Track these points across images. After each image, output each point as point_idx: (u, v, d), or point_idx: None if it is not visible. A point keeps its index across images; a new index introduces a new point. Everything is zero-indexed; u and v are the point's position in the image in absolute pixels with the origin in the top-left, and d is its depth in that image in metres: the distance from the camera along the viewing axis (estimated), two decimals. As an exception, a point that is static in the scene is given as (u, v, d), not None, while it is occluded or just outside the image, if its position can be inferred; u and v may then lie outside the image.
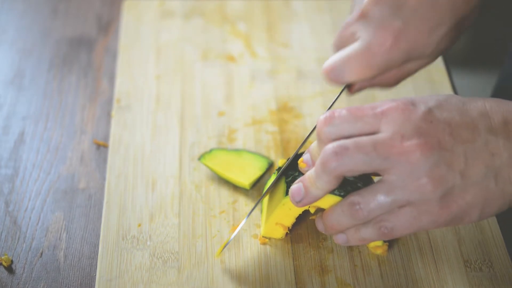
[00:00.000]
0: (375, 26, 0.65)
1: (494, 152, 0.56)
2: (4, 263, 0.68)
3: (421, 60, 0.68)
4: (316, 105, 0.83)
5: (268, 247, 0.68)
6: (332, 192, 0.61)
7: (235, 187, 0.73)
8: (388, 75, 0.69)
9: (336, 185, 0.59)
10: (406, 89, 0.84)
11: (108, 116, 0.82)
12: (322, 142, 0.59)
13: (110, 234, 0.69)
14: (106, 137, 0.80)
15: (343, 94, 0.71)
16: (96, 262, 0.68)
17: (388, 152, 0.55)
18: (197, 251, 0.68)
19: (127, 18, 0.94)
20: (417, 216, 0.57)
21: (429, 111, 0.56)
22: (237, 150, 0.76)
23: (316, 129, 0.60)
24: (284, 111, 0.82)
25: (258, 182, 0.74)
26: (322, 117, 0.59)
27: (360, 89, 0.70)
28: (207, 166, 0.74)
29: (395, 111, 0.56)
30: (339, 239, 0.62)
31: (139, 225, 0.70)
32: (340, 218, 0.59)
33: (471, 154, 0.56)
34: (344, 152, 0.56)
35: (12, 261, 0.68)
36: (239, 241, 0.69)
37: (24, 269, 0.68)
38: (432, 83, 0.85)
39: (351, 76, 0.66)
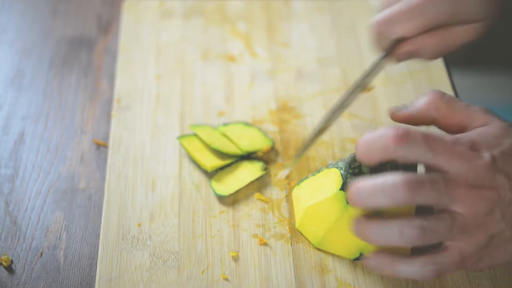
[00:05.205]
0: None
1: None
2: (4, 263, 0.68)
3: (467, 26, 0.68)
4: (316, 105, 0.83)
5: (268, 247, 0.68)
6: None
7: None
8: (431, 42, 0.69)
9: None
10: (406, 89, 0.84)
11: (108, 116, 0.82)
12: (385, 154, 0.58)
13: (110, 234, 0.69)
14: (106, 137, 0.80)
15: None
16: (96, 262, 0.68)
17: (455, 191, 0.56)
18: (197, 251, 0.68)
19: (127, 18, 0.94)
20: (461, 260, 0.58)
21: (493, 161, 0.57)
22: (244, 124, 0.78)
23: (382, 140, 0.57)
24: (284, 111, 0.82)
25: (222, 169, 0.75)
26: (393, 132, 0.57)
27: (403, 58, 0.70)
28: (183, 146, 0.76)
29: (462, 156, 0.57)
30: (373, 265, 0.60)
31: (139, 225, 0.70)
32: (393, 238, 0.57)
33: None
34: (421, 188, 0.56)
35: (12, 261, 0.68)
36: (239, 241, 0.69)
37: (24, 269, 0.68)
38: (432, 82, 0.85)
39: (402, 28, 0.67)
